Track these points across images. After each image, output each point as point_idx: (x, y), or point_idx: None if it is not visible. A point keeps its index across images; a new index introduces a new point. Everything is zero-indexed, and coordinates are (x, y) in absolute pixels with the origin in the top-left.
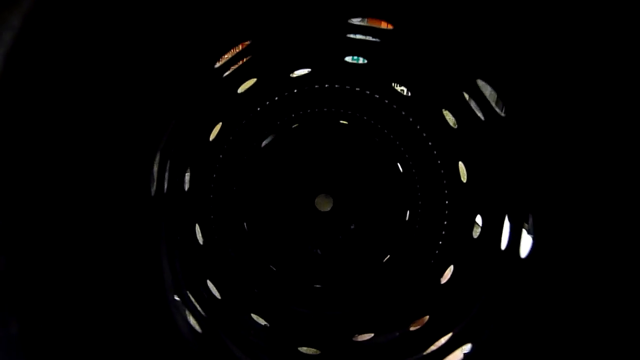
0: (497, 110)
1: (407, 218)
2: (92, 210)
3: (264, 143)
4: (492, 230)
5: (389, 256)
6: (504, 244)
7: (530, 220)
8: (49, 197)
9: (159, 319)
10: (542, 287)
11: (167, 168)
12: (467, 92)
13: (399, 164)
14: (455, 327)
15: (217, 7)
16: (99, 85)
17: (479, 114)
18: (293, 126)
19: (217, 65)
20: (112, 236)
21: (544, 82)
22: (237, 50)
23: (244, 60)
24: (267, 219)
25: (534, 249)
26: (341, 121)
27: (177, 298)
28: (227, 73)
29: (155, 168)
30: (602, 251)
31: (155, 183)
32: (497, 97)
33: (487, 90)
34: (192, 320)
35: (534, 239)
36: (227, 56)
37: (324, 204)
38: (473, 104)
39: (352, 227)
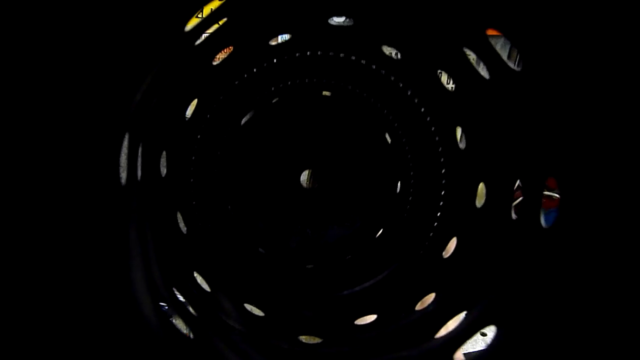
0: (511, 64)
1: (398, 190)
2: (56, 203)
3: (243, 120)
4: (500, 198)
5: (382, 230)
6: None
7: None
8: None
9: (133, 344)
10: (571, 260)
11: (139, 153)
12: (470, 48)
13: (387, 135)
14: (468, 305)
15: None
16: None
17: (483, 73)
18: (273, 101)
19: (188, 28)
20: (75, 234)
21: (567, 29)
22: (210, 9)
23: (218, 24)
24: (252, 200)
25: (561, 217)
26: (324, 92)
27: (161, 304)
28: (200, 41)
29: (124, 154)
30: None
31: (125, 169)
32: (511, 48)
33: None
34: (181, 325)
35: (561, 205)
36: (198, 18)
37: (310, 181)
38: (475, 61)
39: (340, 202)
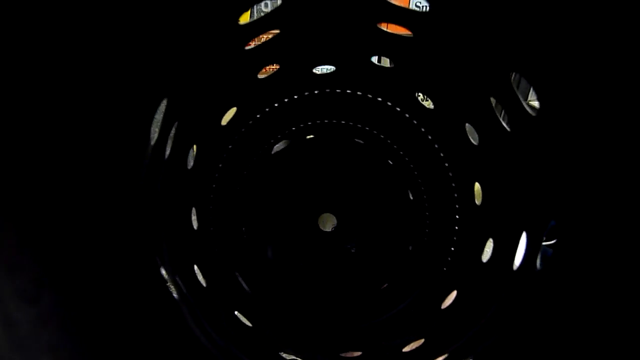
0: (528, 109)
1: (410, 248)
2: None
3: (275, 149)
4: (505, 251)
5: (387, 284)
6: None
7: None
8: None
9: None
10: (557, 296)
11: (173, 132)
12: (495, 96)
13: (409, 192)
14: (450, 347)
15: None
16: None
17: (505, 125)
18: (307, 137)
19: (242, 22)
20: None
21: (581, 73)
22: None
23: (268, 36)
24: (267, 229)
25: (554, 260)
26: (357, 139)
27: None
28: (250, 46)
29: (160, 122)
30: (621, 265)
31: (157, 135)
32: (531, 90)
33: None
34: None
35: (555, 248)
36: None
37: (327, 224)
38: (499, 114)
39: (352, 250)
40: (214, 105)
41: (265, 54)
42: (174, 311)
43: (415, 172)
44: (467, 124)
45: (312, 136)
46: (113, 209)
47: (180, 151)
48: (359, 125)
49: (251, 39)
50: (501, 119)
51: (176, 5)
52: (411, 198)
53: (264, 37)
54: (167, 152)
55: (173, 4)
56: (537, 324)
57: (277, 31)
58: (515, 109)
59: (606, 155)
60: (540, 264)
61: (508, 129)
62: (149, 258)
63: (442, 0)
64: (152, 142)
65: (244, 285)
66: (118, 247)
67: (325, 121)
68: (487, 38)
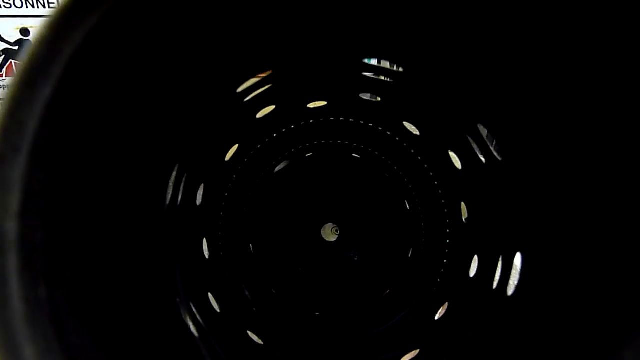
0: (495, 153)
1: (409, 255)
2: (116, 212)
3: (277, 169)
4: (487, 270)
5: (389, 291)
6: (496, 283)
7: (520, 258)
8: (77, 210)
9: (173, 320)
10: (525, 324)
11: (183, 181)
12: (470, 136)
13: (406, 202)
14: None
15: (242, 39)
16: (127, 109)
17: (481, 157)
18: (307, 155)
19: (239, 90)
20: (128, 242)
21: (538, 129)
22: (259, 78)
23: (265, 87)
24: (273, 243)
25: (520, 287)
26: (353, 154)
27: (191, 304)
28: (247, 98)
29: (172, 180)
30: (586, 294)
31: (171, 193)
32: (494, 141)
33: (485, 133)
34: (192, 328)
35: (520, 277)
36: (249, 83)
37: (330, 234)
38: (476, 147)
39: (355, 259)
40: (218, 149)
41: (261, 101)
42: (190, 342)
43: (410, 186)
44: (450, 151)
45: (310, 154)
46: (139, 253)
47: (190, 193)
48: (354, 144)
49: (248, 95)
50: (492, 148)
51: (183, 88)
52: (408, 208)
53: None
54: (179, 198)
55: (181, 89)
56: (514, 345)
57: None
58: (484, 150)
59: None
60: (513, 290)
61: (484, 161)
62: (167, 294)
63: (412, 68)
64: (168, 198)
65: (253, 304)
66: (139, 286)
67: (322, 142)
68: (456, 95)
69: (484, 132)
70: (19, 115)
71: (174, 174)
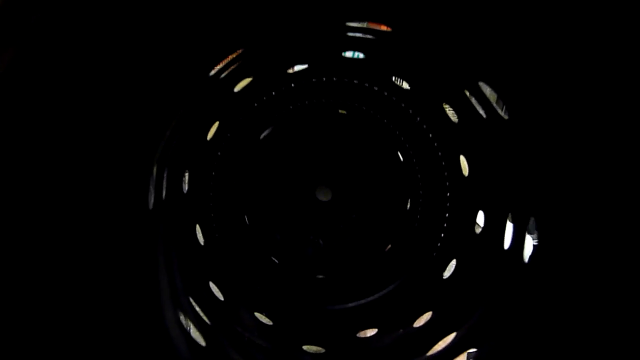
0: (499, 111)
1: (408, 207)
2: (88, 225)
3: (262, 135)
4: (494, 228)
5: (390, 245)
6: (507, 244)
7: (532, 221)
8: (48, 209)
9: (157, 340)
10: (545, 293)
11: (165, 175)
12: (468, 91)
13: (399, 153)
14: (458, 326)
15: (214, 15)
16: (96, 95)
17: (481, 112)
18: (291, 118)
19: (212, 73)
20: (107, 252)
21: (545, 85)
22: (233, 56)
23: (240, 62)
24: (268, 211)
25: (537, 254)
26: (340, 110)
27: (179, 312)
28: (223, 75)
29: (153, 178)
30: (604, 253)
31: (153, 193)
32: (498, 99)
33: (488, 90)
34: (194, 333)
35: (537, 243)
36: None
37: (325, 194)
38: (474, 101)
39: (353, 216)
40: (197, 131)
41: (237, 74)
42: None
43: (402, 138)
44: (445, 105)
45: (295, 116)
46: (127, 245)
47: (175, 184)
48: (340, 101)
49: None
50: (495, 106)
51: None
52: (401, 159)
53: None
54: (164, 192)
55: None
56: (531, 313)
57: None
58: (487, 107)
59: (572, 153)
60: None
61: (484, 116)
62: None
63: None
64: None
65: (257, 282)
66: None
67: (306, 102)
68: (454, 53)
69: (485, 88)
70: None
71: (154, 172)
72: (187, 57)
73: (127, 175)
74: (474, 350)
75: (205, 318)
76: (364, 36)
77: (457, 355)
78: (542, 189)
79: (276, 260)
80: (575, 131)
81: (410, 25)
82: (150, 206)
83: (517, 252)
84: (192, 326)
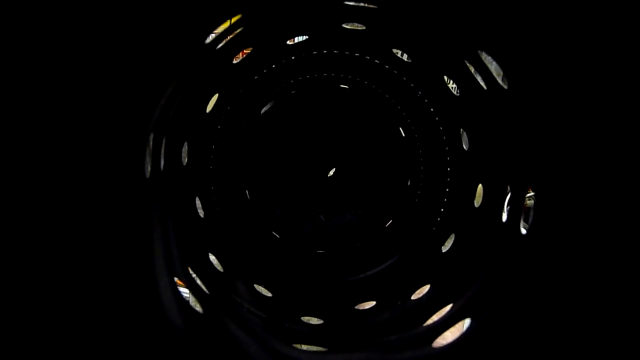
0: (500, 82)
1: (408, 183)
2: (83, 190)
3: (263, 110)
4: (493, 200)
5: (391, 221)
6: (505, 217)
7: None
8: (43, 183)
9: (147, 307)
10: (541, 265)
11: (163, 145)
12: (469, 62)
13: (400, 129)
14: (455, 298)
15: None
16: (92, 64)
17: (482, 84)
18: (292, 92)
19: (209, 39)
20: (103, 221)
21: (543, 53)
22: (230, 23)
23: (238, 31)
24: (269, 185)
25: (535, 226)
26: (341, 85)
27: (174, 279)
28: (220, 45)
29: (149, 147)
30: (599, 227)
31: (150, 162)
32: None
33: (490, 61)
34: (192, 301)
35: (534, 214)
36: (219, 29)
37: (326, 170)
38: (474, 72)
39: (353, 191)
40: (196, 103)
41: (236, 45)
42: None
43: (404, 113)
44: (446, 78)
45: (296, 90)
46: (126, 219)
47: (174, 155)
48: (341, 75)
49: (220, 42)
50: (495, 76)
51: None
52: (403, 135)
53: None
54: (162, 162)
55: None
56: (528, 291)
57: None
58: (488, 78)
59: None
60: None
61: (485, 88)
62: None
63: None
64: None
65: (257, 255)
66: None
67: (307, 76)
68: (454, 22)
69: (486, 58)
70: None
71: (151, 138)
72: (181, 21)
73: (122, 141)
74: None
75: (204, 287)
76: (362, 5)
77: (452, 325)
78: (540, 161)
79: (277, 235)
80: (574, 102)
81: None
82: (147, 175)
83: (514, 225)
84: (190, 294)
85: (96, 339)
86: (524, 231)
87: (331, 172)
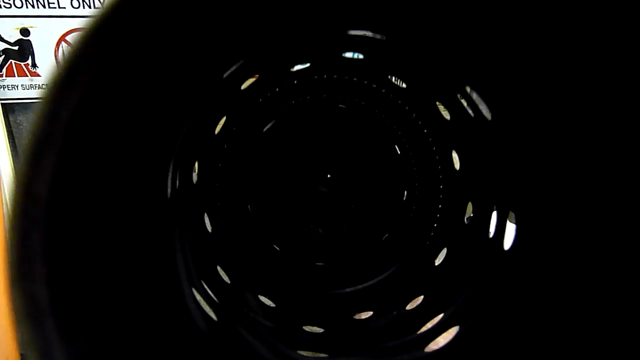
0: (485, 112)
1: (404, 198)
2: (115, 215)
3: (265, 128)
4: (481, 218)
5: (387, 235)
6: (492, 233)
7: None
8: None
9: (176, 312)
10: (523, 279)
11: (178, 168)
12: (457, 93)
13: (396, 146)
14: (446, 308)
15: (227, 30)
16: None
17: (470, 111)
18: (294, 111)
19: (226, 74)
20: (130, 238)
21: (523, 92)
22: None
23: (247, 62)
24: (271, 201)
25: (516, 242)
26: (340, 105)
27: (193, 290)
28: (230, 73)
29: (170, 171)
30: (581, 244)
31: (170, 184)
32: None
33: (475, 94)
34: (208, 309)
35: (516, 232)
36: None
37: (325, 185)
38: (464, 102)
39: (352, 206)
40: (207, 126)
41: (244, 73)
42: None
43: (399, 132)
44: (438, 103)
45: (297, 110)
46: (150, 245)
47: (186, 175)
48: (340, 96)
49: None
50: (480, 108)
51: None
52: (398, 152)
53: None
54: (177, 182)
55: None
56: (511, 301)
57: None
58: (473, 108)
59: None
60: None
61: (472, 115)
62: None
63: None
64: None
65: (259, 267)
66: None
67: (308, 97)
68: (443, 60)
69: (472, 92)
70: (33, 187)
71: (170, 167)
72: (203, 65)
73: (150, 169)
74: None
75: (215, 298)
76: (364, 34)
77: (442, 332)
78: (520, 183)
79: (278, 248)
80: (548, 134)
81: (403, 36)
82: (168, 196)
83: (499, 241)
84: (205, 304)
85: (136, 339)
86: (507, 247)
87: (328, 188)
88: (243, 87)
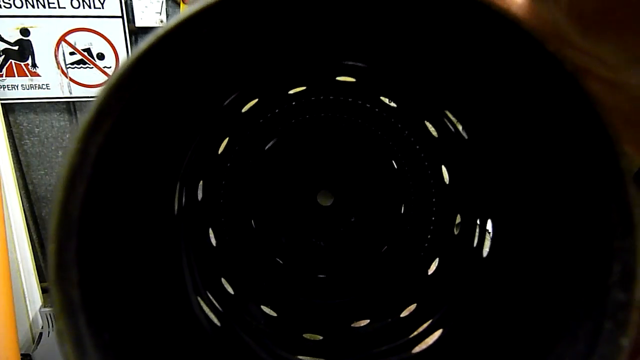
0: (462, 133)
1: (402, 211)
2: (131, 230)
3: (267, 146)
4: (467, 229)
5: (386, 247)
6: (475, 242)
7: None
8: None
9: (184, 317)
10: (498, 282)
11: (185, 187)
12: (440, 114)
13: (393, 162)
14: (434, 314)
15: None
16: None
17: (452, 130)
18: (294, 130)
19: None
20: (143, 251)
21: (495, 116)
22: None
23: (247, 88)
24: (273, 216)
25: (492, 249)
26: (338, 123)
27: (199, 298)
28: (232, 99)
29: (177, 189)
30: (545, 249)
31: (177, 202)
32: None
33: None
34: (211, 315)
35: (491, 240)
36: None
37: (326, 199)
38: (447, 121)
39: (352, 219)
40: (211, 147)
41: (245, 98)
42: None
43: (395, 148)
44: (426, 121)
45: (297, 129)
46: (160, 259)
47: (192, 192)
48: (337, 115)
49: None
50: (459, 128)
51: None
52: (395, 167)
53: None
54: (184, 199)
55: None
56: (489, 301)
57: None
58: (455, 128)
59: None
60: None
61: (453, 130)
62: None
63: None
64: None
65: (262, 279)
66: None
67: (307, 116)
68: (424, 88)
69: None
70: (68, 208)
71: (177, 187)
72: (208, 96)
73: (160, 190)
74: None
75: (219, 307)
76: (353, 64)
77: (429, 335)
78: (494, 194)
79: (281, 261)
80: (514, 151)
81: (386, 67)
82: (175, 212)
83: (480, 249)
84: (210, 312)
85: (149, 337)
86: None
87: (328, 202)
88: (244, 110)
